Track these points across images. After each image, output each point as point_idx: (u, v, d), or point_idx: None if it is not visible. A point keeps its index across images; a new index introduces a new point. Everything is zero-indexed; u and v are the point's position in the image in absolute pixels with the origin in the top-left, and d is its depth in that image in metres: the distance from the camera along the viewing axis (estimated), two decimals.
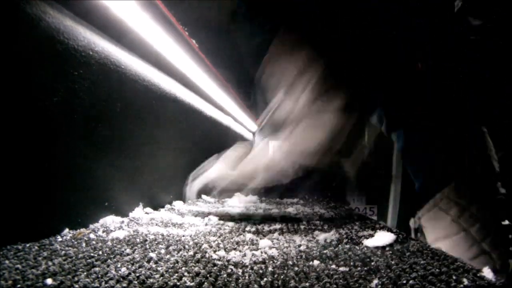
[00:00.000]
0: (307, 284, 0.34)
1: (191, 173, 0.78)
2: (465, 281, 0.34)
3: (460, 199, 0.82)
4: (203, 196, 1.18)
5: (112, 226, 0.58)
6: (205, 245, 0.48)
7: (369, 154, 1.59)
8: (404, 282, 0.34)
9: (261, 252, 0.46)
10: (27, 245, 0.43)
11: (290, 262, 0.41)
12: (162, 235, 0.54)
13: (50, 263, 0.37)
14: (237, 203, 1.03)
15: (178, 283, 0.32)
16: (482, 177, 0.84)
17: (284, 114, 0.76)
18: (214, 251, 0.45)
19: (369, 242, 0.50)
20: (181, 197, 1.01)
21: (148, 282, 0.33)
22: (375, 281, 0.34)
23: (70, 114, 0.50)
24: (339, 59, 0.75)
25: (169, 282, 0.32)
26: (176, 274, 0.35)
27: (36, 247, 0.42)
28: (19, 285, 0.30)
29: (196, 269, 0.37)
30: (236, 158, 0.77)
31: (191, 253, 0.44)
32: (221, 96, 1.14)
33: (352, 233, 0.58)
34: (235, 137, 1.51)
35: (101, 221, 0.60)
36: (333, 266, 0.39)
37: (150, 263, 0.39)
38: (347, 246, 0.49)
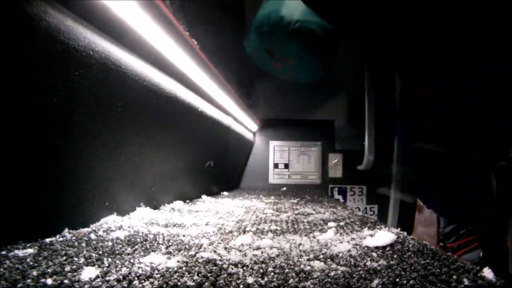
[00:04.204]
0: (308, 283, 0.34)
1: None
2: (466, 281, 0.34)
3: None
4: (203, 196, 1.18)
5: (113, 226, 0.58)
6: (205, 245, 0.48)
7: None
8: (405, 282, 0.34)
9: (262, 252, 0.45)
10: (28, 245, 0.43)
11: (291, 262, 0.41)
12: (163, 234, 0.54)
13: (50, 263, 0.37)
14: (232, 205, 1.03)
15: (179, 283, 0.32)
16: None
17: None
18: (215, 251, 0.45)
19: (370, 242, 0.50)
20: (182, 196, 1.01)
21: (148, 281, 0.33)
22: (376, 281, 0.34)
23: (70, 114, 0.50)
24: None
25: (169, 282, 0.32)
26: (177, 274, 0.35)
27: (37, 247, 0.42)
28: (19, 285, 0.30)
29: (197, 268, 0.37)
30: None
31: (191, 252, 0.44)
32: (222, 96, 1.14)
33: (352, 233, 0.58)
34: (235, 137, 1.51)
35: (102, 220, 0.60)
36: (334, 266, 0.39)
37: (151, 263, 0.39)
38: (348, 246, 0.49)
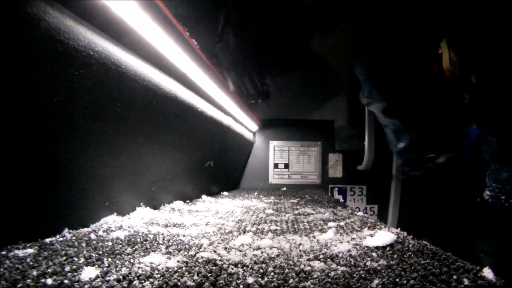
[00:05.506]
0: (308, 283, 0.34)
1: None
2: (466, 281, 0.34)
3: None
4: (203, 196, 1.18)
5: (113, 226, 0.58)
6: (205, 245, 0.48)
7: None
8: (405, 282, 0.34)
9: (262, 252, 0.45)
10: (28, 245, 0.43)
11: (291, 262, 0.41)
12: (163, 234, 0.54)
13: (50, 263, 0.37)
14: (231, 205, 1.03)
15: (179, 283, 0.32)
16: None
17: None
18: (215, 251, 0.45)
19: (370, 242, 0.50)
20: (182, 196, 1.01)
21: (148, 281, 0.33)
22: (376, 281, 0.34)
23: (70, 114, 0.50)
24: None
25: (169, 282, 0.32)
26: (177, 274, 0.35)
27: (37, 247, 0.42)
28: (19, 285, 0.30)
29: (197, 268, 0.37)
30: None
31: (191, 252, 0.44)
32: (221, 96, 1.14)
33: (352, 233, 0.58)
34: (235, 137, 1.51)
35: (102, 220, 0.60)
36: (334, 266, 0.39)
37: (151, 263, 0.39)
38: (348, 246, 0.49)
